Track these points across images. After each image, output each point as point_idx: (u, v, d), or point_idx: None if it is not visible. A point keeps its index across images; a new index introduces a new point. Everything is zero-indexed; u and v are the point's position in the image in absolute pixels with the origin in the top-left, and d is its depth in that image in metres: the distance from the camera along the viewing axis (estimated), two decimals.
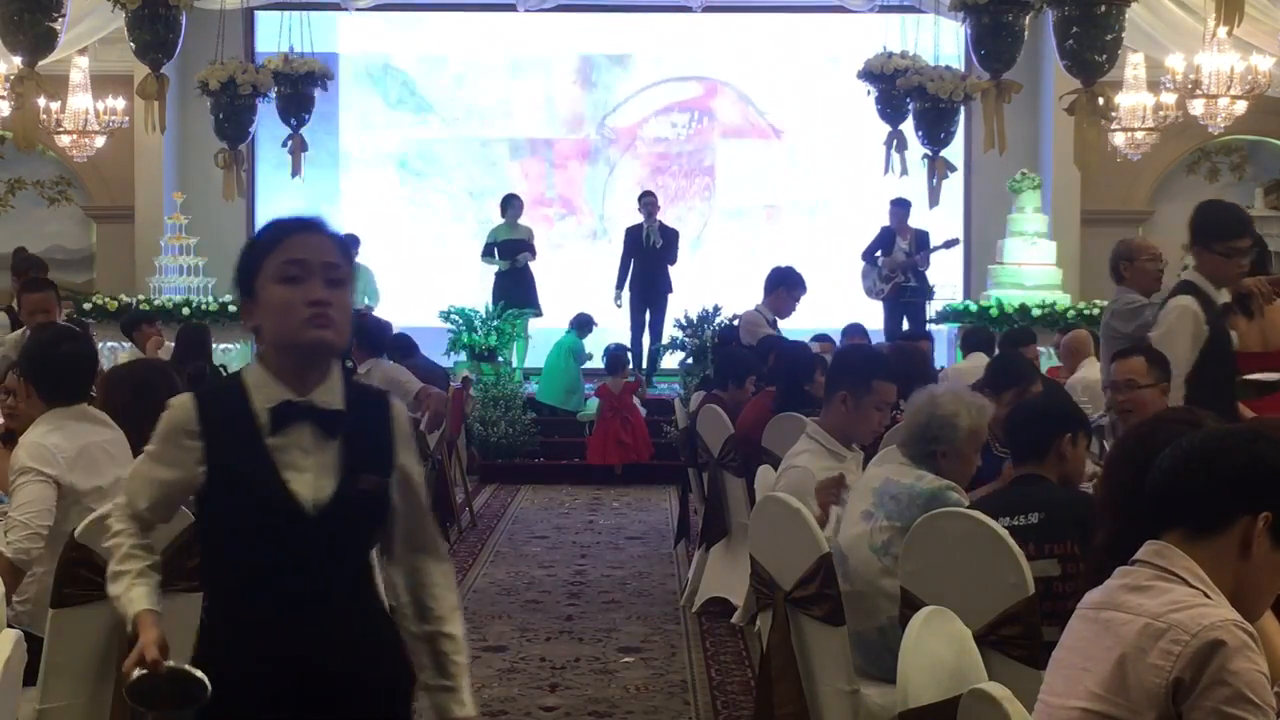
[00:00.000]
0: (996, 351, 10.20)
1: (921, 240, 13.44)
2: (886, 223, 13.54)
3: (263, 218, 15.84)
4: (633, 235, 13.93)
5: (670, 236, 13.88)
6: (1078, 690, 2.30)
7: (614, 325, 14.10)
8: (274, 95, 11.77)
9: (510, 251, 14.00)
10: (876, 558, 4.04)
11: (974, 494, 4.42)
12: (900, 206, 13.33)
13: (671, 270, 13.87)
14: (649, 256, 13.77)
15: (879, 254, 13.38)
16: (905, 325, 13.01)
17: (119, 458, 4.16)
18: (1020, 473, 4.04)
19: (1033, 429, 4.07)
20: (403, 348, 9.74)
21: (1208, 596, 2.27)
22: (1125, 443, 2.89)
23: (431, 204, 16.56)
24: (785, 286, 9.18)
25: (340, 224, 14.98)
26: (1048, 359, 10.90)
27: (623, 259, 14.02)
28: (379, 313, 13.41)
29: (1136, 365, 5.14)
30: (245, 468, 2.51)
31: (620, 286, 13.96)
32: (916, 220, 13.43)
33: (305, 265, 2.50)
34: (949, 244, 13.84)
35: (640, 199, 14.09)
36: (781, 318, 9.29)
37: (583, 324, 13.26)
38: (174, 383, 4.42)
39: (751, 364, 7.97)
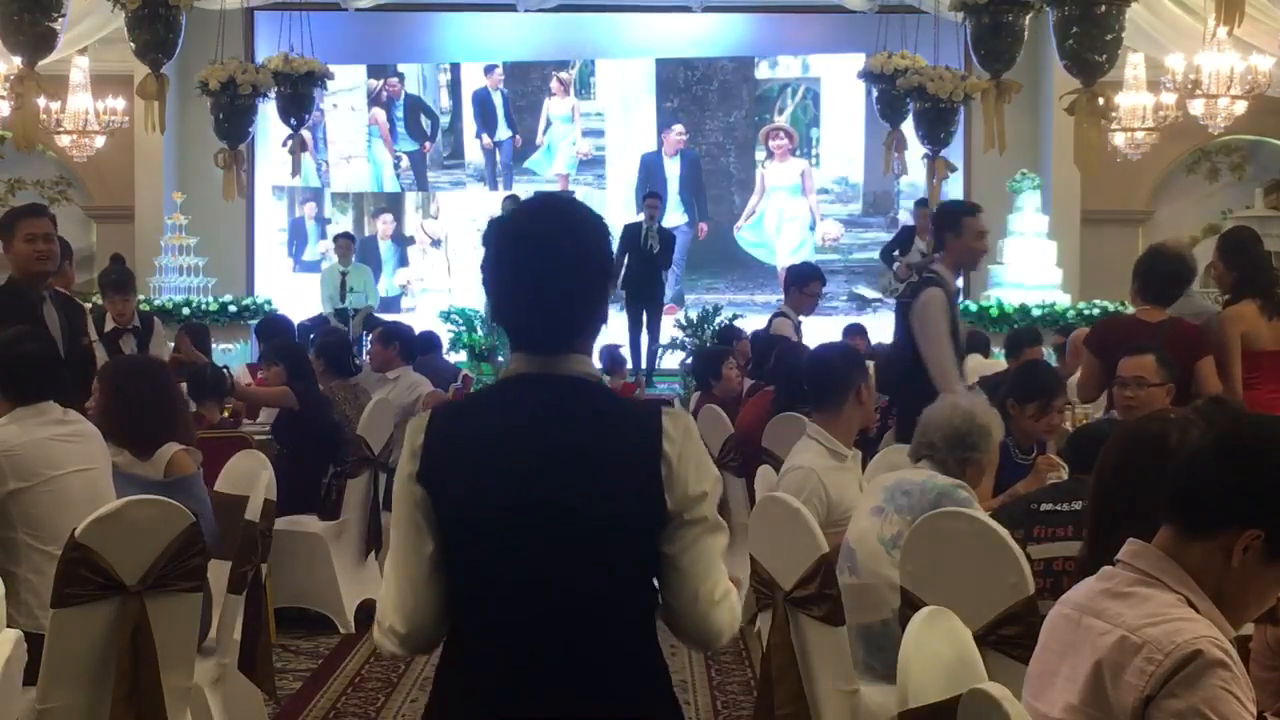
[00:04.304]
0: (998, 353, 10.20)
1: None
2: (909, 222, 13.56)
3: (262, 217, 15.88)
4: (630, 234, 13.91)
5: (667, 239, 13.89)
6: (1056, 702, 2.29)
7: (612, 326, 14.09)
8: (274, 95, 11.76)
9: None
10: (885, 550, 4.06)
11: (999, 495, 4.49)
12: (924, 207, 13.24)
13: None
14: (645, 258, 13.76)
15: (896, 253, 13.35)
16: None
17: (82, 450, 4.20)
18: (1076, 477, 4.03)
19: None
20: (426, 343, 10.05)
21: (1190, 604, 2.24)
22: (1122, 438, 2.86)
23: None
24: (796, 285, 9.08)
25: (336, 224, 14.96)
26: (1050, 360, 10.88)
27: (617, 253, 14.03)
28: (377, 313, 13.43)
29: (1147, 363, 5.09)
30: None
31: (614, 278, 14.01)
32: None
33: None
34: None
35: (645, 199, 14.08)
36: (805, 315, 9.14)
37: None
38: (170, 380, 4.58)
39: (722, 355, 8.55)
